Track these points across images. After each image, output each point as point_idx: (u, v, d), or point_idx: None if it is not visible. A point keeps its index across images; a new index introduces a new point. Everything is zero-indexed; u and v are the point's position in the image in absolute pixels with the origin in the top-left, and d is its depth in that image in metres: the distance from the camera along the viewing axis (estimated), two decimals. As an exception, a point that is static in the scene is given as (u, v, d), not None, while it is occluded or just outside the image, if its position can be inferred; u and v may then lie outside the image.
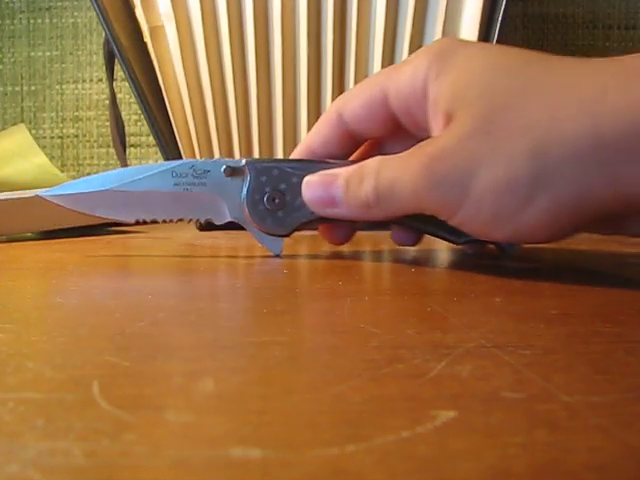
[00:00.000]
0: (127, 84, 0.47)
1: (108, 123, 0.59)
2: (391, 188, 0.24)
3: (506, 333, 0.16)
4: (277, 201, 0.29)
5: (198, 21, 0.43)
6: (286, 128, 0.45)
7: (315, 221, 0.29)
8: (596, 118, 0.20)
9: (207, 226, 0.43)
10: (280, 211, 0.29)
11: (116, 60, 0.45)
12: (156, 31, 0.44)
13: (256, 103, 0.44)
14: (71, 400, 0.11)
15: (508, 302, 0.20)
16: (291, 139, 0.45)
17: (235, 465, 0.09)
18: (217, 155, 0.45)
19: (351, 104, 0.28)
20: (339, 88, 0.44)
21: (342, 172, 0.27)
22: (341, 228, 0.31)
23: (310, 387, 0.12)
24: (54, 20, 0.69)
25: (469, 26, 0.42)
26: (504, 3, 0.40)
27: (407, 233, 0.31)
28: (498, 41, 0.41)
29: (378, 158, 0.26)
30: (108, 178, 0.30)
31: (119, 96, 0.68)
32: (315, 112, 0.44)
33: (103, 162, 0.70)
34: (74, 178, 0.68)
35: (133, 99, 0.66)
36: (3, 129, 0.67)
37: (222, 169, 0.29)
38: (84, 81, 0.69)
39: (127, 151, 0.62)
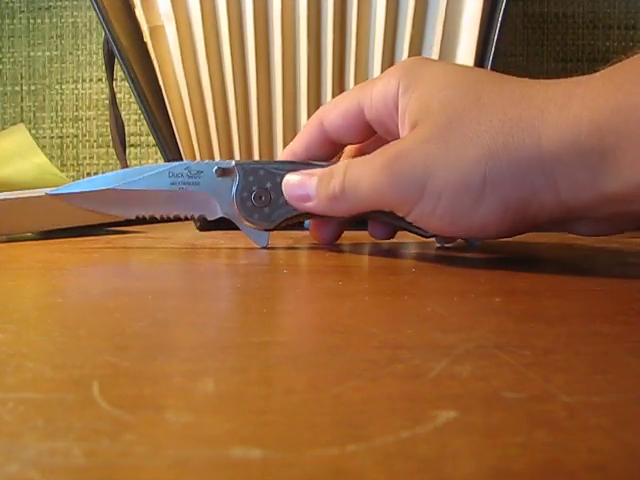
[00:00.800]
0: (127, 84, 0.47)
1: (108, 123, 0.59)
2: (355, 184, 0.27)
3: (506, 333, 0.16)
4: (263, 199, 0.32)
5: (198, 21, 0.43)
6: (286, 128, 0.45)
7: (297, 216, 0.32)
8: (540, 131, 0.23)
9: (207, 226, 0.43)
10: (266, 207, 0.32)
11: (116, 60, 0.45)
12: (156, 31, 0.44)
13: (256, 103, 0.44)
14: (71, 400, 0.11)
15: (508, 302, 0.20)
16: (291, 139, 0.45)
17: (235, 465, 0.09)
18: (217, 155, 0.45)
19: (331, 114, 0.31)
20: (339, 88, 0.44)
21: (317, 171, 0.30)
22: (329, 228, 0.34)
23: (310, 387, 0.12)
24: (54, 20, 0.69)
25: (469, 26, 0.42)
26: (504, 3, 0.40)
27: (382, 228, 0.33)
28: (498, 41, 0.41)
29: (348, 159, 0.29)
30: (110, 178, 0.33)
31: (119, 96, 0.68)
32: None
33: (103, 162, 0.70)
34: (74, 178, 0.69)
35: (133, 99, 0.66)
36: (3, 129, 0.67)
37: (214, 170, 0.32)
38: (84, 81, 0.69)
39: (127, 151, 0.62)
